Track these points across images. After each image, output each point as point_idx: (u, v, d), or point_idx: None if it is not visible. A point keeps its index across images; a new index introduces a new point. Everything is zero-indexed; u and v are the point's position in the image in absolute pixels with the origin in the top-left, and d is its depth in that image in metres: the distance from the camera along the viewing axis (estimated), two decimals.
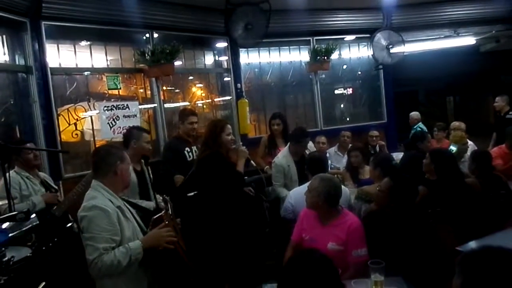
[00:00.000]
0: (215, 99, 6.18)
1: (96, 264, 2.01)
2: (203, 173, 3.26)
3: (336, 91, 7.08)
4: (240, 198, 3.33)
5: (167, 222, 2.24)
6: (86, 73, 4.73)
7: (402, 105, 7.88)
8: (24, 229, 2.39)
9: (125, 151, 2.48)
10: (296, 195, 3.65)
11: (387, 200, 2.87)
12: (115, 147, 2.43)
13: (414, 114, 6.89)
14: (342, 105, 7.14)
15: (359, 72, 7.08)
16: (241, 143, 3.67)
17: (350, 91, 7.16)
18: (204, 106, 6.24)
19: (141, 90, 5.24)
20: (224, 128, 3.33)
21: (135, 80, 5.19)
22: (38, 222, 2.48)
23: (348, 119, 7.13)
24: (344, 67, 6.99)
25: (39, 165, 3.53)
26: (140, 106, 5.02)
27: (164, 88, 5.80)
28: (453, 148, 4.90)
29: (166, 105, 5.70)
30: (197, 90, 6.18)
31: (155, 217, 2.38)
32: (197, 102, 6.17)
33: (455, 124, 5.66)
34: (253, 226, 3.56)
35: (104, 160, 2.23)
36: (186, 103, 5.98)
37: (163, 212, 2.42)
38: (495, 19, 6.88)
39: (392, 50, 6.48)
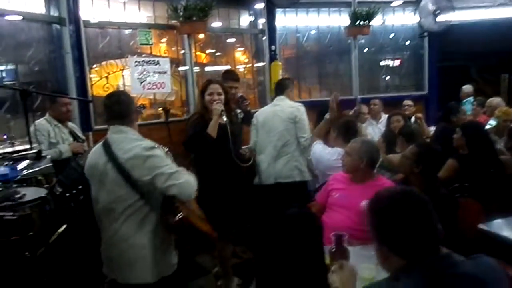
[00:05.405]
0: (253, 63, 6.04)
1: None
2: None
3: (376, 59, 6.73)
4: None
5: None
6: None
7: (452, 80, 7.41)
8: (36, 169, 2.45)
9: None
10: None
11: (412, 167, 2.73)
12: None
13: (466, 87, 6.44)
14: (381, 74, 6.81)
15: (402, 40, 6.69)
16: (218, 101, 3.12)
17: (391, 59, 6.81)
18: (246, 72, 6.11)
19: (173, 49, 5.21)
20: (206, 88, 3.16)
21: (167, 38, 5.17)
22: (51, 164, 2.55)
23: (386, 88, 6.83)
24: (387, 34, 6.62)
25: (69, 117, 3.60)
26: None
27: (207, 51, 5.75)
28: (493, 122, 4.60)
29: (208, 68, 5.67)
30: (240, 54, 6.06)
31: None
32: (237, 66, 6.02)
33: (497, 101, 5.28)
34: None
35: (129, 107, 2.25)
36: (227, 66, 5.81)
37: None
38: None
39: (439, 17, 6.06)
